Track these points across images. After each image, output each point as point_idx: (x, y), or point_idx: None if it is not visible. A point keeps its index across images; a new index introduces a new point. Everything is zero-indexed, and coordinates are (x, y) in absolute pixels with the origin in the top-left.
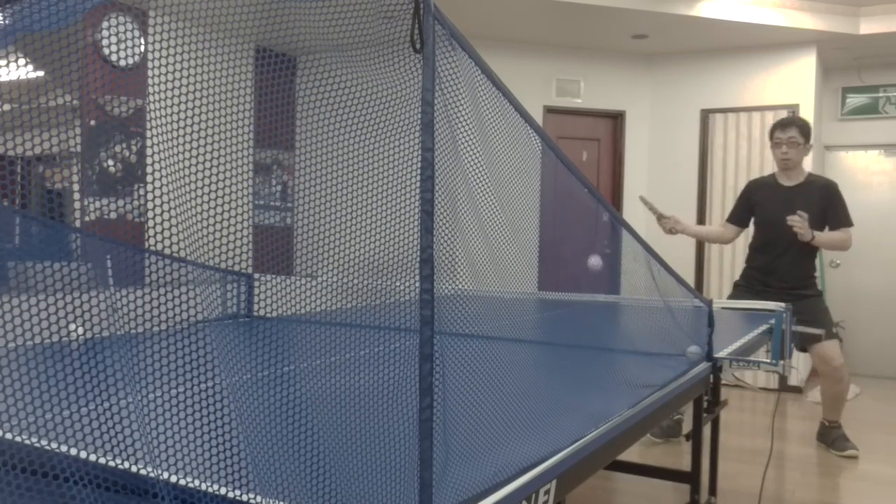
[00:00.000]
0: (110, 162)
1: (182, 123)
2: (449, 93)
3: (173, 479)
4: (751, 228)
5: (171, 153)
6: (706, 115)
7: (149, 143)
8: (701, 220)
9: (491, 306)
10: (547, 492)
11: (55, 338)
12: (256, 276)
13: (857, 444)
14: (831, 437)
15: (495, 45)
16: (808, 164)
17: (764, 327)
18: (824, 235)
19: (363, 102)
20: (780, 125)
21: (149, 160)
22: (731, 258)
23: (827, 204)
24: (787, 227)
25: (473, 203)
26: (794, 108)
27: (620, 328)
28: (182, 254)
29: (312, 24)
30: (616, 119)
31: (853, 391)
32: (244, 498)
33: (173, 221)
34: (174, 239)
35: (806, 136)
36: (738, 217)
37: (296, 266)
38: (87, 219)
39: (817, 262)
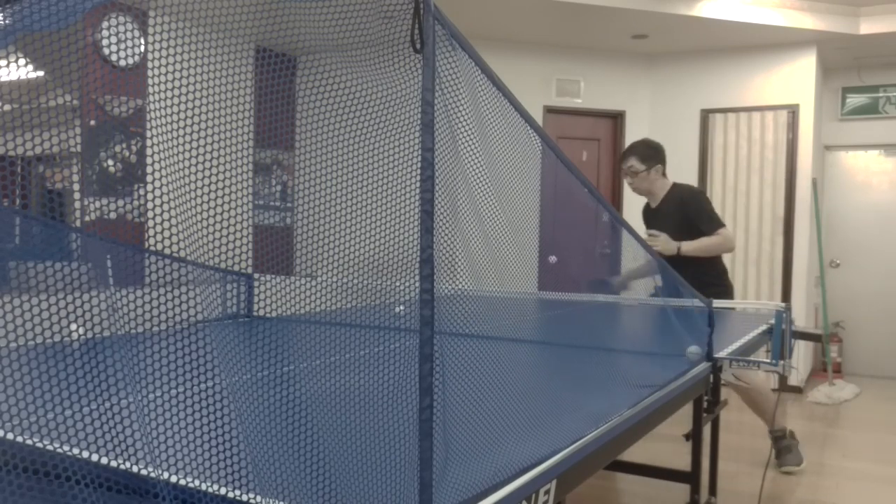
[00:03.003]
0: (110, 162)
1: (182, 123)
2: (449, 93)
3: (173, 479)
4: None
5: (171, 153)
6: (706, 115)
7: (149, 143)
8: None
9: (491, 306)
10: (547, 492)
11: (55, 338)
12: (256, 276)
13: (857, 444)
14: (777, 447)
15: (495, 45)
16: (806, 162)
17: (764, 327)
18: (691, 245)
19: (363, 102)
20: (621, 157)
21: (149, 160)
22: (730, 258)
23: (686, 214)
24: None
25: (473, 203)
26: (794, 108)
27: (620, 328)
28: (182, 254)
29: (312, 24)
30: (616, 119)
31: (853, 391)
32: (244, 498)
33: (173, 221)
34: (174, 239)
35: (646, 160)
36: None
37: (296, 266)
38: (87, 219)
39: (817, 259)
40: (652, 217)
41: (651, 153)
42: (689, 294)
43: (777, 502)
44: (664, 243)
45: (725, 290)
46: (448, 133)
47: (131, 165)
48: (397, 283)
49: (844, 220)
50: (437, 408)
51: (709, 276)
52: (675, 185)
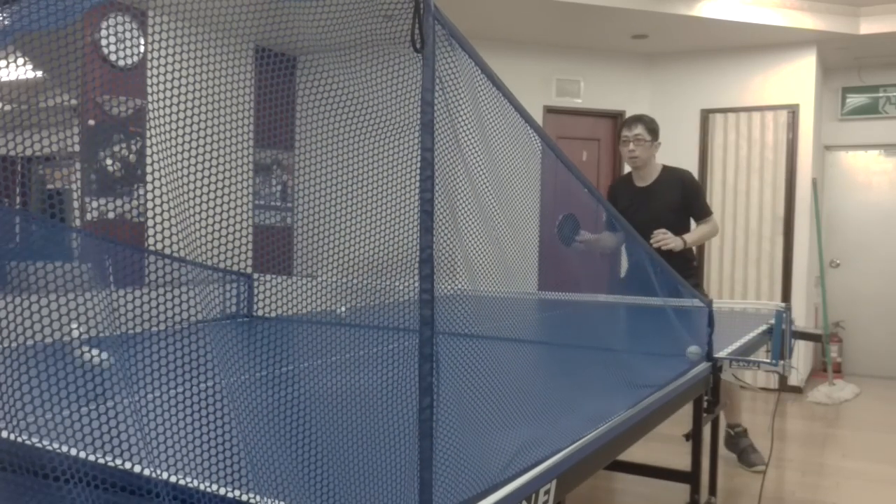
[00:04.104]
0: (110, 162)
1: (182, 123)
2: (449, 93)
3: (172, 479)
4: None
5: (171, 153)
6: (706, 115)
7: (149, 143)
8: None
9: (491, 306)
10: (547, 492)
11: (55, 336)
12: (256, 276)
13: (857, 444)
14: (739, 446)
15: (495, 45)
16: (806, 162)
17: (764, 327)
18: (693, 235)
19: (363, 102)
20: (626, 123)
21: (149, 160)
22: (730, 257)
23: (685, 197)
24: (649, 232)
25: (474, 203)
26: (794, 108)
27: (620, 328)
28: (182, 254)
29: (312, 24)
30: (616, 119)
31: (853, 391)
32: (244, 498)
33: (173, 221)
34: (174, 239)
35: (653, 133)
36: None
37: (296, 266)
38: (87, 219)
39: (817, 259)
40: (639, 195)
41: (656, 128)
42: (688, 294)
43: (777, 502)
44: (674, 240)
45: (699, 283)
46: (448, 133)
47: (131, 165)
48: (397, 283)
49: (844, 220)
50: (437, 408)
51: (689, 268)
52: (668, 167)
